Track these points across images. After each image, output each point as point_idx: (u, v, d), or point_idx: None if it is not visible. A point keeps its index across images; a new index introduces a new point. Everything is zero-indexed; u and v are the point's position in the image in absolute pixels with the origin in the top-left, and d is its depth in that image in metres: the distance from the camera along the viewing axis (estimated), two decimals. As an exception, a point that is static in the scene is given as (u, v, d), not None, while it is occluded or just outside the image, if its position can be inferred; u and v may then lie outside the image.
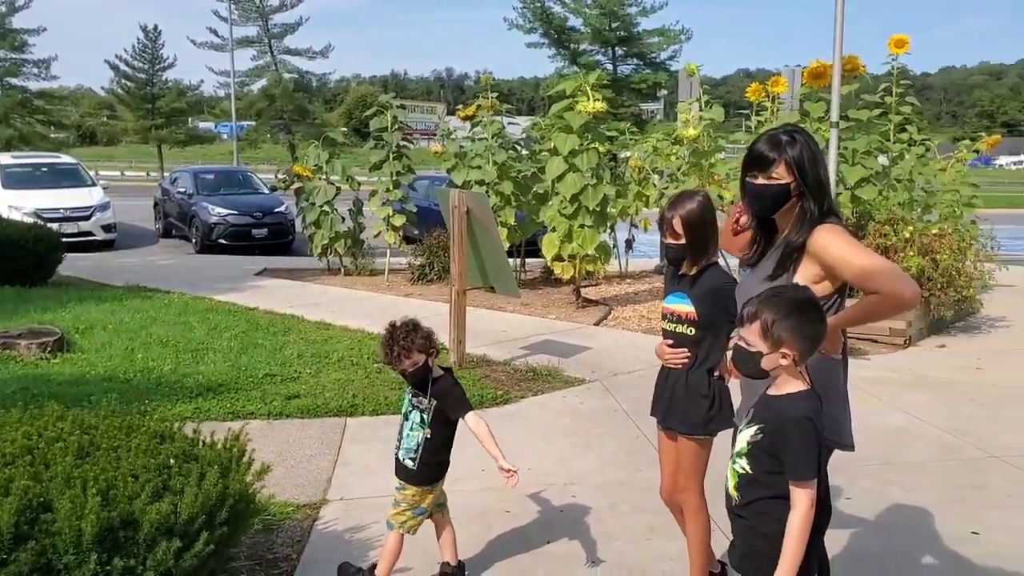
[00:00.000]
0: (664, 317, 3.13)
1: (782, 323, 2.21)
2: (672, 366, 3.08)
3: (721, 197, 8.83)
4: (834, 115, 7.70)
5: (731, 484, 2.34)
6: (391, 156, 11.03)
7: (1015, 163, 76.82)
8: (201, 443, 3.00)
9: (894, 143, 9.39)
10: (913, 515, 4.07)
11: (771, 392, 2.31)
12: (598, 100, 8.78)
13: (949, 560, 3.65)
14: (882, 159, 9.07)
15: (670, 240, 3.02)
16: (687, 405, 3.05)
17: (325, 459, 4.77)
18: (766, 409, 2.29)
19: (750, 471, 2.27)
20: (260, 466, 3.07)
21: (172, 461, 2.74)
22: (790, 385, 2.27)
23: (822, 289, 2.56)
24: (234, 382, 6.09)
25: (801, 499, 2.17)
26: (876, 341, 7.74)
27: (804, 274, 2.58)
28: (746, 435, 2.31)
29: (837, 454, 2.63)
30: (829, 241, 2.54)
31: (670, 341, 3.08)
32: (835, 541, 3.60)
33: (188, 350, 7.02)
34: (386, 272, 11.58)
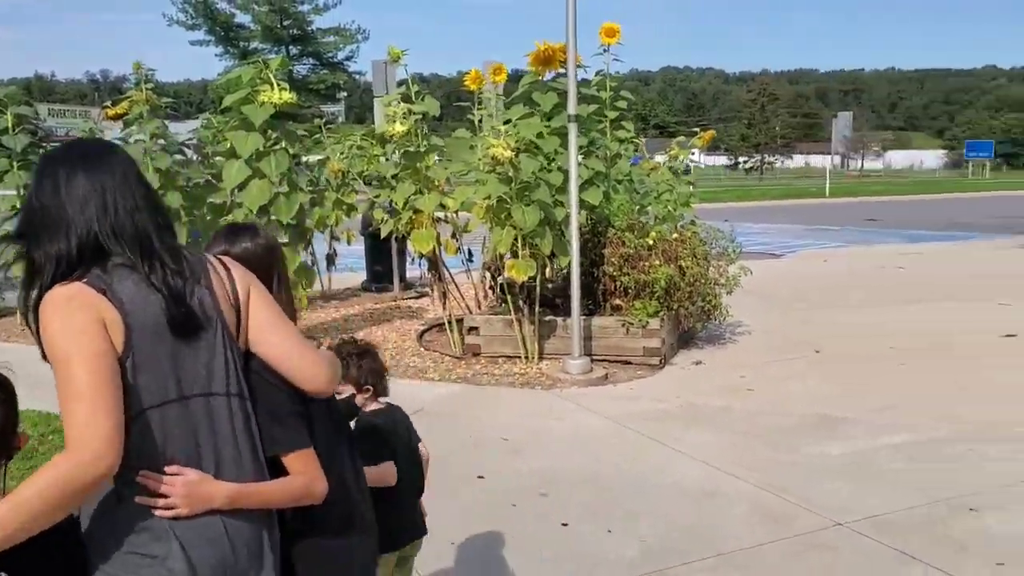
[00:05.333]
0: None
1: None
2: None
3: (443, 206, 7.53)
4: (571, 107, 6.66)
5: None
6: (15, 165, 8.51)
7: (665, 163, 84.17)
8: None
9: (611, 141, 8.66)
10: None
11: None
12: (284, 90, 7.08)
13: None
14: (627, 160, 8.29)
15: None
16: None
17: None
18: None
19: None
20: None
21: None
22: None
23: None
24: None
25: None
26: (630, 362, 6.84)
27: None
28: None
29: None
30: None
31: None
32: None
33: None
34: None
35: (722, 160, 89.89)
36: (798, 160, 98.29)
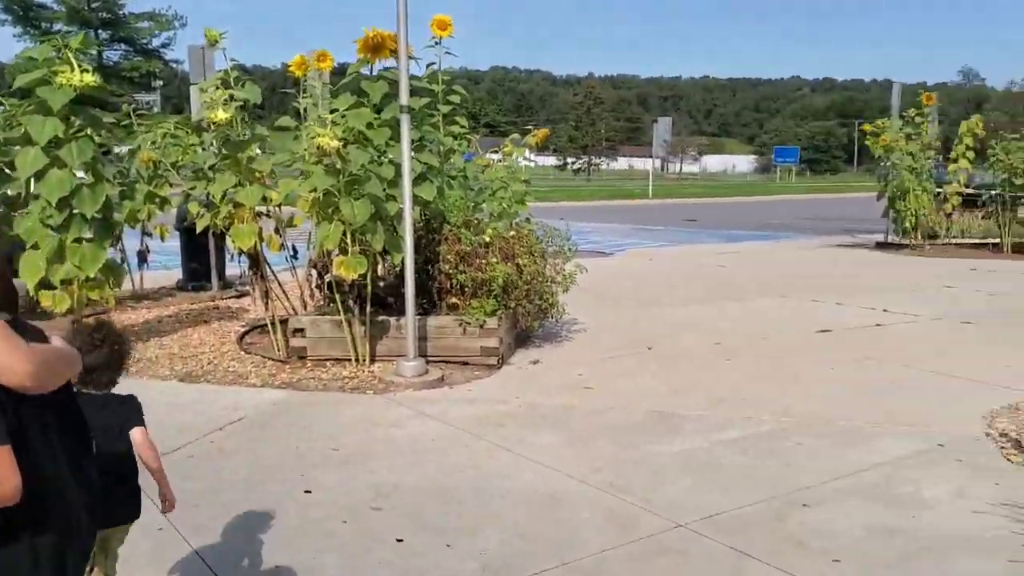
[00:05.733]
0: None
1: None
2: None
3: (266, 199, 7.05)
4: (403, 97, 6.36)
5: None
6: None
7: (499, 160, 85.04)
8: None
9: (445, 136, 8.43)
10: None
11: None
12: (87, 71, 6.41)
13: None
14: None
15: None
16: None
17: None
18: None
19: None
20: None
21: None
22: None
23: None
24: None
25: None
26: (467, 363, 6.63)
27: None
28: None
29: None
30: None
31: None
32: None
33: None
34: None
35: (551, 160, 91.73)
36: (622, 162, 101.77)
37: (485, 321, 6.66)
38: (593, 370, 6.54)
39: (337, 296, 6.66)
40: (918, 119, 15.45)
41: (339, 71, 7.71)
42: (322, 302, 7.37)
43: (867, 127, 16.09)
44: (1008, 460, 4.58)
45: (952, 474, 4.39)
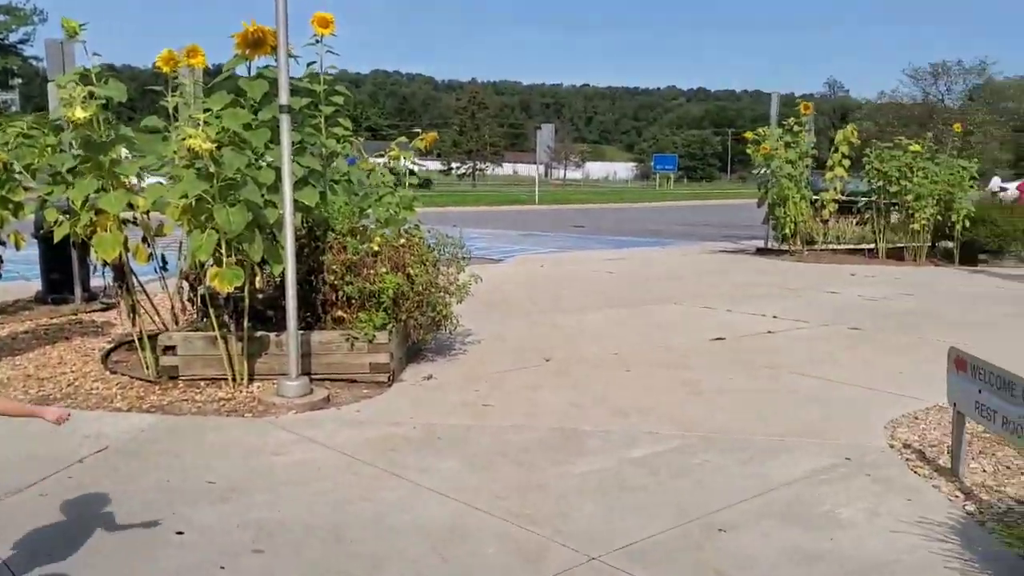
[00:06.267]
0: None
1: None
2: None
3: (132, 205, 6.45)
4: (283, 96, 5.90)
5: None
6: None
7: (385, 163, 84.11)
8: None
9: (327, 139, 7.98)
10: None
11: None
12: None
13: None
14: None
15: None
16: None
17: None
18: None
19: None
20: None
21: None
22: None
23: None
24: None
25: None
26: (355, 381, 6.22)
27: None
28: None
29: None
30: None
31: None
32: None
33: None
34: None
35: (436, 165, 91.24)
36: (507, 168, 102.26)
37: (374, 335, 6.26)
38: (491, 385, 6.24)
39: (211, 310, 6.13)
40: (796, 128, 15.85)
41: (214, 72, 7.17)
42: (195, 317, 6.82)
43: (749, 135, 16.40)
44: (915, 473, 4.51)
45: (864, 491, 4.27)
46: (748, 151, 16.40)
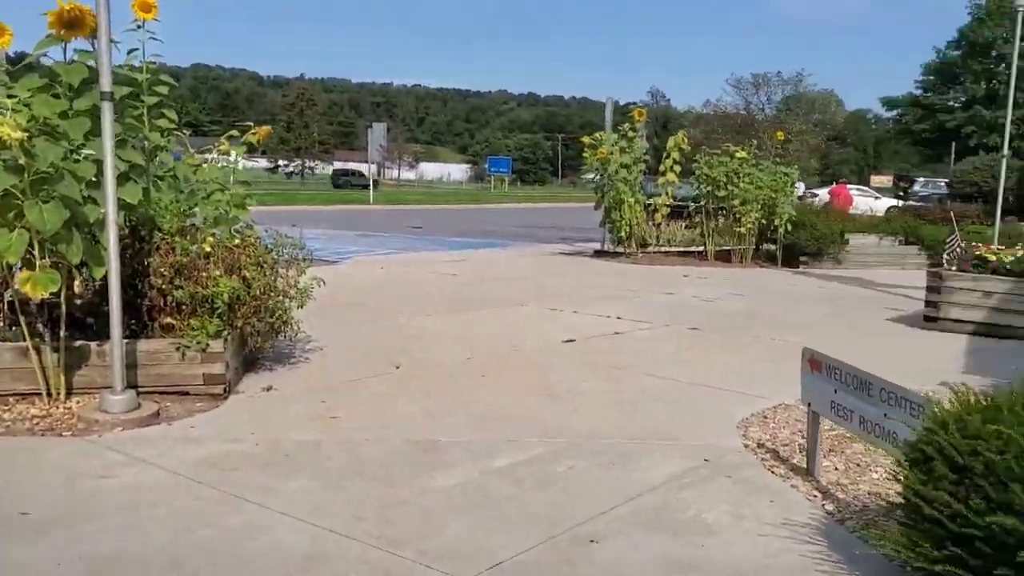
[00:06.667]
0: None
1: None
2: None
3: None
4: (105, 83, 5.33)
5: None
6: None
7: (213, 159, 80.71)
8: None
9: (151, 131, 7.37)
10: None
11: None
12: None
13: None
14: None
15: None
16: None
17: None
18: None
19: None
20: None
21: None
22: None
23: None
24: None
25: None
26: (188, 393, 5.72)
27: None
28: None
29: None
30: None
31: None
32: None
33: None
34: None
35: (263, 163, 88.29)
36: (338, 166, 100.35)
37: (208, 344, 5.78)
38: (338, 395, 5.90)
39: (22, 318, 5.48)
40: (631, 134, 16.24)
41: (14, 60, 6.45)
42: (3, 325, 6.09)
43: (586, 139, 16.68)
44: (773, 473, 4.56)
45: (726, 493, 4.27)
46: (585, 155, 16.67)
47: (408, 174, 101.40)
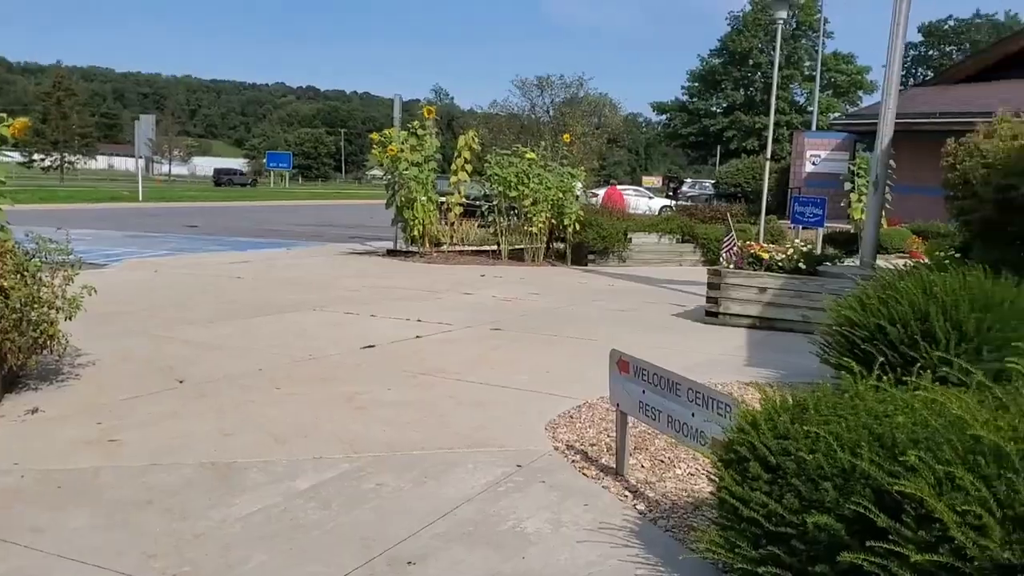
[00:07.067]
0: None
1: None
2: None
3: None
4: None
5: None
6: None
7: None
8: None
9: None
10: None
11: None
12: None
13: None
14: None
15: None
16: None
17: None
18: None
19: None
20: None
21: None
22: None
23: None
24: None
25: None
26: (-67, 422, 4.97)
27: None
28: None
29: None
30: None
31: None
32: None
33: None
34: None
35: (16, 157, 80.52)
36: (102, 161, 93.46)
37: (-40, 364, 5.06)
38: (117, 416, 5.34)
39: None
40: (421, 131, 16.11)
41: None
42: None
43: (375, 136, 16.37)
44: (584, 475, 4.57)
45: (542, 499, 4.22)
46: (374, 152, 16.36)
47: (180, 169, 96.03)
